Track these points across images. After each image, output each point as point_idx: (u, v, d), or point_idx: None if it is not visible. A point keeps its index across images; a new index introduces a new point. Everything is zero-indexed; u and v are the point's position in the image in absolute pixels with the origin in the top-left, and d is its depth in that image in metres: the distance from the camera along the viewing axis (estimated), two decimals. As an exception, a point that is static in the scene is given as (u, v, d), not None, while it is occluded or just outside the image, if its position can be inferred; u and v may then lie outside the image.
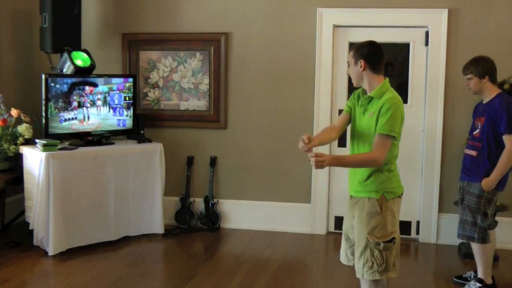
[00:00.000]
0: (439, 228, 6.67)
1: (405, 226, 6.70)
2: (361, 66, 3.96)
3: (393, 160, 3.99)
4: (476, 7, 6.37)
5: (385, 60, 4.06)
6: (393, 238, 3.92)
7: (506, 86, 5.92)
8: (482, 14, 6.37)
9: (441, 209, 6.65)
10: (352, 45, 4.17)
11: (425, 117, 6.58)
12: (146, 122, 6.88)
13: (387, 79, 4.06)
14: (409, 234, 6.80)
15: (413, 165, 6.66)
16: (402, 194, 4.08)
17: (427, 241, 6.70)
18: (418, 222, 6.75)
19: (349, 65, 4.10)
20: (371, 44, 4.03)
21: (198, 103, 7.07)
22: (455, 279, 5.54)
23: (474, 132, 5.20)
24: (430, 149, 6.59)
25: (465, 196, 5.20)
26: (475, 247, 5.17)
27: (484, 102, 5.24)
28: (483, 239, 5.11)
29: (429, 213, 6.67)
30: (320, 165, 3.70)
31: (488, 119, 5.06)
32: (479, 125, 5.15)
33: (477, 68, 5.16)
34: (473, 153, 5.16)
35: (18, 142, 6.28)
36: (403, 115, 3.94)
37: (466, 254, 6.10)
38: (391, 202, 3.95)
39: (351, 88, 6.60)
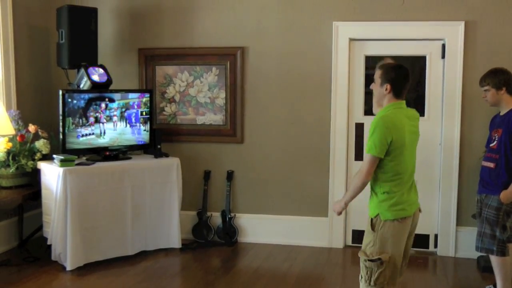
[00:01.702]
0: (457, 241, 6.62)
1: (423, 239, 6.67)
2: (386, 89, 4.09)
3: (390, 183, 4.04)
4: (492, 19, 6.35)
5: (409, 84, 4.18)
6: (379, 258, 3.98)
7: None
8: (499, 27, 6.35)
9: (459, 222, 6.60)
10: (370, 62, 4.21)
11: (442, 130, 6.55)
12: (162, 137, 6.89)
13: (402, 102, 4.14)
14: (427, 248, 6.76)
15: (430, 178, 6.62)
16: (405, 218, 4.05)
17: (445, 255, 6.65)
18: (436, 235, 6.71)
19: (374, 81, 4.20)
20: (399, 68, 4.14)
21: (214, 118, 7.08)
22: (474, 293, 5.50)
23: (491, 144, 5.17)
24: (447, 162, 6.56)
25: (483, 209, 5.16)
26: (494, 260, 5.13)
27: (501, 114, 5.21)
28: (502, 251, 5.06)
29: (447, 226, 6.62)
30: (337, 212, 4.29)
31: (506, 130, 5.03)
32: (496, 137, 5.11)
33: (494, 79, 5.14)
34: (491, 165, 5.12)
35: (36, 157, 6.32)
36: (387, 134, 3.92)
37: (485, 268, 6.04)
38: (388, 223, 4.01)
39: (368, 101, 6.60)
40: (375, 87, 4.18)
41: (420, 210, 4.30)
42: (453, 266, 6.38)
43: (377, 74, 4.16)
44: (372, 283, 4.01)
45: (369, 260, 4.01)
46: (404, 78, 4.12)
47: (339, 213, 4.27)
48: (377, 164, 4.00)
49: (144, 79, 7.20)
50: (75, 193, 5.91)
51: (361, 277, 4.09)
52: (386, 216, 4.01)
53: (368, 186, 4.14)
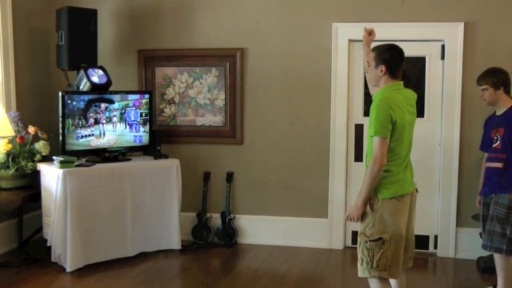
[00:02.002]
0: (457, 242, 6.60)
1: (423, 240, 6.65)
2: (381, 71, 4.12)
3: (389, 162, 4.03)
4: (492, 20, 6.35)
5: (405, 64, 4.23)
6: (380, 238, 3.98)
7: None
8: (498, 27, 6.35)
9: (459, 223, 6.59)
10: (373, 47, 4.24)
11: (442, 131, 6.55)
12: (162, 138, 6.89)
13: (400, 82, 4.18)
14: (427, 249, 6.75)
15: (430, 178, 6.62)
16: (403, 195, 4.08)
17: (445, 256, 6.64)
18: (436, 236, 6.70)
19: (368, 64, 4.23)
20: (392, 49, 4.16)
21: (214, 119, 7.08)
22: (474, 294, 5.49)
23: (495, 145, 5.14)
24: (447, 162, 6.55)
25: (493, 207, 5.09)
26: (500, 259, 5.10)
27: (498, 113, 5.21)
28: (511, 251, 5.04)
29: (447, 227, 6.61)
30: (356, 217, 4.09)
31: (508, 129, 5.02)
32: (499, 136, 5.10)
33: (493, 79, 5.14)
34: (498, 165, 5.08)
35: (36, 159, 6.31)
36: (391, 114, 3.95)
37: (484, 269, 6.03)
38: (386, 202, 4.03)
39: (367, 102, 6.61)
40: (370, 69, 4.20)
41: (417, 191, 4.33)
42: (453, 267, 6.37)
43: (371, 56, 4.19)
44: (374, 264, 4.01)
45: (370, 240, 4.00)
46: (398, 57, 4.15)
47: (358, 219, 4.11)
48: None
49: (143, 80, 7.20)
50: (75, 195, 5.90)
51: (362, 261, 4.07)
52: (384, 194, 4.02)
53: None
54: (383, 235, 3.98)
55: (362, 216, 4.11)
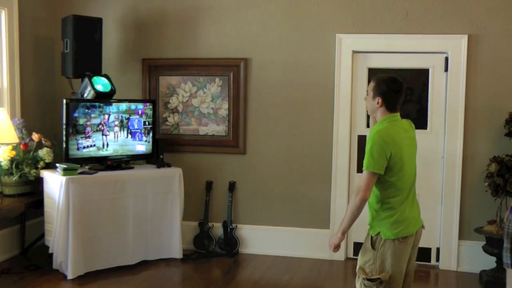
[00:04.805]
0: (459, 255, 6.58)
1: (425, 253, 6.64)
2: (378, 103, 3.99)
3: (391, 199, 3.93)
4: (496, 33, 6.35)
5: (403, 98, 4.07)
6: (378, 278, 3.86)
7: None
8: (502, 40, 6.35)
9: (461, 236, 6.56)
10: (373, 74, 4.14)
11: (445, 143, 6.54)
12: (165, 147, 6.90)
13: (396, 114, 4.03)
14: (429, 261, 6.73)
15: (433, 191, 6.61)
16: (407, 237, 3.95)
17: (447, 268, 6.61)
18: (438, 249, 6.68)
19: (367, 93, 4.11)
20: (391, 81, 4.02)
21: (217, 128, 7.09)
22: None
23: None
24: (450, 175, 6.54)
25: None
26: None
27: None
28: None
29: (449, 240, 6.59)
30: (333, 245, 4.01)
31: None
32: None
33: None
34: None
35: (39, 166, 6.33)
36: (385, 149, 3.82)
37: (487, 282, 6.00)
38: (389, 242, 3.90)
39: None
40: (368, 100, 4.08)
41: (423, 227, 4.19)
42: (455, 280, 6.34)
43: (370, 86, 4.07)
44: None
45: (368, 279, 3.90)
46: (396, 91, 4.00)
47: (336, 247, 4.01)
48: (378, 180, 3.87)
49: (147, 89, 7.22)
50: (77, 202, 5.91)
51: None
52: (387, 235, 3.89)
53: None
54: (382, 275, 3.86)
55: (363, 251, 4.01)
